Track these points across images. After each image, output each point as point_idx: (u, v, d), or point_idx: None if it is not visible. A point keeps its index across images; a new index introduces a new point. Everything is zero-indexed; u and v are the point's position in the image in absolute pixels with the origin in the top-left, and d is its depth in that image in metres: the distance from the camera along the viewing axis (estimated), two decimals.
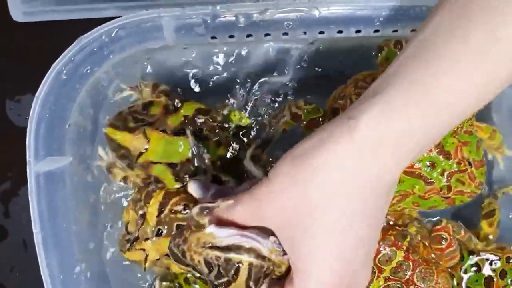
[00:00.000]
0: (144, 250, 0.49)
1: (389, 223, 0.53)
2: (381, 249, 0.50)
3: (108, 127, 0.49)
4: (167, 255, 0.48)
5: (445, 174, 0.49)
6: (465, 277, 0.53)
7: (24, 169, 0.63)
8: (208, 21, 0.41)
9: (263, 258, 0.36)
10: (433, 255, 0.52)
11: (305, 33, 0.43)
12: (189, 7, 0.41)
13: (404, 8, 0.41)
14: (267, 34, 0.43)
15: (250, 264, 0.36)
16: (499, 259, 0.52)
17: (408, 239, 0.51)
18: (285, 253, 0.37)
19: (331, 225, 0.34)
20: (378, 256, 0.50)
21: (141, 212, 0.50)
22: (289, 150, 0.35)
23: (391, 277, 0.50)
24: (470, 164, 0.50)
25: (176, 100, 0.50)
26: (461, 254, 0.54)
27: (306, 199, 0.33)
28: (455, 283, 0.53)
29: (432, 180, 0.49)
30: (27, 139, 0.44)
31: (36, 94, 0.43)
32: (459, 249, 0.53)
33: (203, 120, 0.50)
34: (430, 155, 0.49)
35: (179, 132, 0.48)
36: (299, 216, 0.34)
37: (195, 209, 0.38)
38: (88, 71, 0.44)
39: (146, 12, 0.40)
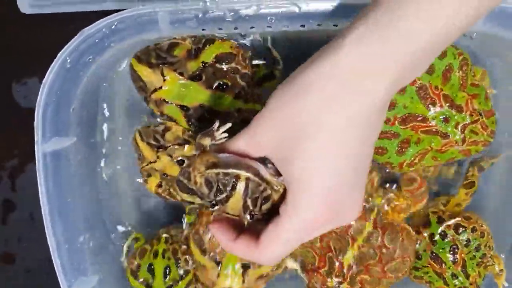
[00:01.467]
0: (158, 157, 0.52)
1: None
2: (352, 223, 0.54)
3: (133, 58, 0.51)
4: (159, 185, 0.53)
5: (459, 126, 0.51)
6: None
7: (30, 147, 0.67)
8: (200, 15, 0.44)
9: (261, 177, 0.37)
10: (397, 222, 0.56)
11: (287, 26, 0.47)
12: (182, 2, 0.45)
13: None
14: (252, 27, 0.47)
15: (248, 179, 0.36)
16: (465, 229, 0.57)
17: (375, 211, 0.55)
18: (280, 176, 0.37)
19: (321, 143, 0.34)
20: (350, 229, 0.54)
21: (187, 138, 0.53)
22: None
23: (364, 244, 0.54)
24: (481, 114, 0.51)
25: (201, 43, 0.50)
26: (429, 220, 0.58)
27: (297, 118, 0.34)
28: (420, 247, 0.58)
29: (448, 133, 0.51)
30: (35, 122, 0.48)
31: (43, 81, 0.47)
32: (427, 192, 0.57)
33: (223, 67, 0.50)
34: (442, 111, 0.50)
35: (195, 77, 0.50)
36: (291, 136, 0.35)
37: (199, 136, 0.41)
38: (90, 60, 0.47)
39: (142, 8, 0.44)
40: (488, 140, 0.52)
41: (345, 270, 0.55)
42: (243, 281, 0.53)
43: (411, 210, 0.57)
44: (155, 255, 0.57)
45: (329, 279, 0.55)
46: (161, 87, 0.50)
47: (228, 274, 0.53)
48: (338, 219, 0.37)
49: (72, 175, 0.52)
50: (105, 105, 0.54)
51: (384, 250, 0.54)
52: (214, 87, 0.50)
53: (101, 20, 0.44)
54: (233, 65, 0.50)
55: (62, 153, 0.50)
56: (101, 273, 0.56)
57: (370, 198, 0.56)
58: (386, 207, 0.56)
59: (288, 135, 0.35)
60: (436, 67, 0.50)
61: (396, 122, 0.51)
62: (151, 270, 0.56)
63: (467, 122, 0.51)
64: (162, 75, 0.50)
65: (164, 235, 0.59)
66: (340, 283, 0.55)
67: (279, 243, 0.38)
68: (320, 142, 0.34)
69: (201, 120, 0.52)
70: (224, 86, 0.50)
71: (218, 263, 0.53)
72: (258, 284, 0.55)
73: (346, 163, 0.35)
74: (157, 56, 0.50)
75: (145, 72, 0.50)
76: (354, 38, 0.33)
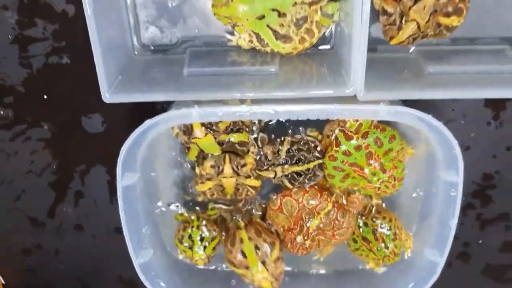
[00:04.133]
0: (205, 135, 0.77)
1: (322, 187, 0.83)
2: (320, 201, 0.80)
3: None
4: None
5: (380, 180, 0.77)
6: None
7: (92, 158, 0.94)
8: (219, 114, 0.71)
9: None
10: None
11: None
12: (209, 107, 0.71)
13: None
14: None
15: None
16: (378, 218, 0.85)
17: (334, 195, 0.82)
18: None
19: None
20: (317, 207, 0.80)
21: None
22: None
23: (324, 217, 0.80)
24: (395, 179, 0.77)
25: (235, 128, 0.77)
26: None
27: None
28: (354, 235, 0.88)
29: (372, 181, 0.77)
30: (117, 172, 0.75)
31: (121, 149, 0.72)
32: (362, 203, 0.84)
33: (237, 146, 0.79)
34: (375, 170, 0.76)
35: (220, 143, 0.78)
36: None
37: None
38: (148, 136, 0.72)
39: (185, 109, 0.70)
40: (393, 193, 0.79)
41: (309, 232, 0.80)
42: (267, 270, 0.80)
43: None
44: (192, 228, 0.87)
45: (298, 237, 0.81)
46: (199, 138, 0.77)
47: (258, 271, 0.79)
48: None
49: (138, 197, 0.80)
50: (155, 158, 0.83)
51: (336, 222, 0.80)
52: (224, 150, 0.79)
53: (159, 115, 0.71)
54: (243, 148, 0.79)
55: (131, 185, 0.78)
56: (154, 249, 0.87)
57: (332, 189, 0.82)
58: (342, 199, 0.85)
59: None
60: (384, 144, 0.76)
61: (347, 165, 0.77)
62: (190, 237, 0.86)
63: (384, 180, 0.77)
64: (205, 135, 0.77)
65: (193, 216, 0.89)
66: (305, 240, 0.81)
67: None
68: None
69: (205, 158, 0.81)
70: (229, 151, 0.80)
71: (247, 267, 0.80)
72: (277, 266, 0.81)
73: None
74: (209, 122, 0.75)
75: (197, 127, 0.76)
76: None
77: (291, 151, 0.78)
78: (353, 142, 0.76)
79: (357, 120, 0.77)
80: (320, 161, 0.78)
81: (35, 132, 0.89)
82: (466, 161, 0.88)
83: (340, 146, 0.76)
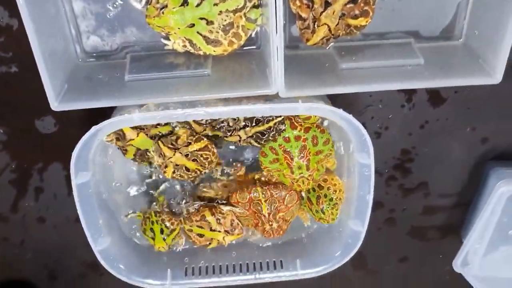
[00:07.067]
0: (174, 154, 0.85)
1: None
2: (250, 192, 0.90)
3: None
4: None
5: (300, 174, 0.86)
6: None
7: (47, 157, 1.02)
8: (158, 117, 0.81)
9: None
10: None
11: None
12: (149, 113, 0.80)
13: None
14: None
15: None
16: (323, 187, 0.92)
17: (260, 180, 0.92)
18: None
19: None
20: (254, 196, 0.89)
21: (190, 140, 0.85)
22: None
23: (263, 197, 0.89)
24: (312, 179, 0.87)
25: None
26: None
27: None
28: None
29: (294, 172, 0.86)
30: (71, 172, 0.83)
31: (73, 152, 0.81)
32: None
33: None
34: (301, 164, 0.86)
35: (152, 137, 0.88)
36: None
37: None
38: (98, 139, 0.83)
39: (127, 115, 0.80)
40: (302, 190, 0.91)
41: (269, 216, 0.89)
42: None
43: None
44: (152, 223, 0.96)
45: (266, 225, 0.90)
46: (133, 138, 0.87)
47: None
48: None
49: (93, 194, 0.89)
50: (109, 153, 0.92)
51: (275, 195, 0.89)
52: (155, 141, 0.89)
53: (104, 122, 0.80)
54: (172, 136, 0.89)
55: (85, 183, 0.87)
56: (113, 236, 0.97)
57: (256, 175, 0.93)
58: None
59: None
60: (318, 145, 0.86)
61: (282, 150, 0.86)
62: (152, 230, 0.96)
63: (304, 176, 0.86)
64: (137, 135, 0.87)
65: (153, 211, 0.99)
66: (271, 225, 0.90)
67: None
68: None
69: (142, 155, 0.91)
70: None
71: None
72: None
73: None
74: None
75: (128, 130, 0.86)
76: None
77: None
78: (295, 132, 0.85)
79: None
80: (280, 118, 0.83)
81: None
82: (385, 139, 1.01)
83: (283, 131, 0.85)
